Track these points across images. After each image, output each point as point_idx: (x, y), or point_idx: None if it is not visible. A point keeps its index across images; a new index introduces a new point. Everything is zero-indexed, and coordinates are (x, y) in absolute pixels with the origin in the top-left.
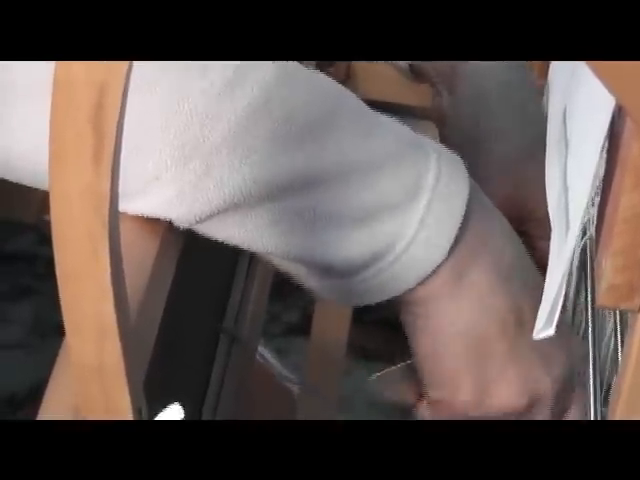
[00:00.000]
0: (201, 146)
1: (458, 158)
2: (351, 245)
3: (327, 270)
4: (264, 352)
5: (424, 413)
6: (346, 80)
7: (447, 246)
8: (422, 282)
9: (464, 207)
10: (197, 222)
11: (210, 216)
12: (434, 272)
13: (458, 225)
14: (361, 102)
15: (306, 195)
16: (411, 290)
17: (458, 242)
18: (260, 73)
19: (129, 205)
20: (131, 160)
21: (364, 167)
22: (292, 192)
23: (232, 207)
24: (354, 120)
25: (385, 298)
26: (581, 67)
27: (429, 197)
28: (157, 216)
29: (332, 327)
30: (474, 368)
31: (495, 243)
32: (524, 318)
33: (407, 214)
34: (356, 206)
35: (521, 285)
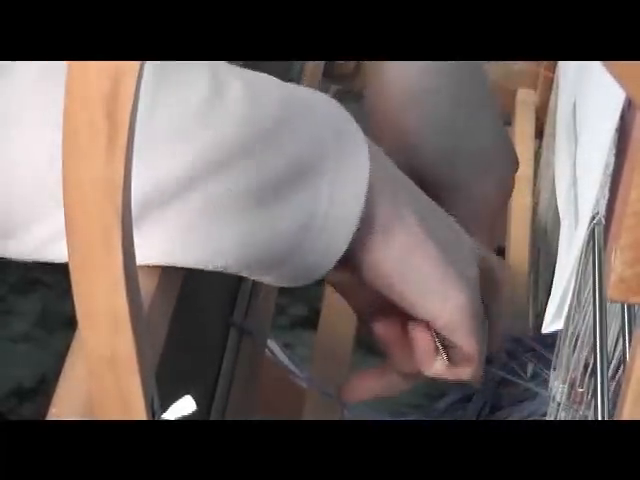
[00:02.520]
0: None
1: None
2: (277, 222)
3: (270, 260)
4: (272, 345)
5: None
6: (355, 75)
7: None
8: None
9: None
10: None
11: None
12: (363, 223)
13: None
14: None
15: (214, 178)
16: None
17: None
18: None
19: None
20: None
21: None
22: (199, 180)
23: (147, 208)
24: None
25: (334, 260)
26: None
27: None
28: None
29: (339, 321)
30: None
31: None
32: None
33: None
34: (267, 177)
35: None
